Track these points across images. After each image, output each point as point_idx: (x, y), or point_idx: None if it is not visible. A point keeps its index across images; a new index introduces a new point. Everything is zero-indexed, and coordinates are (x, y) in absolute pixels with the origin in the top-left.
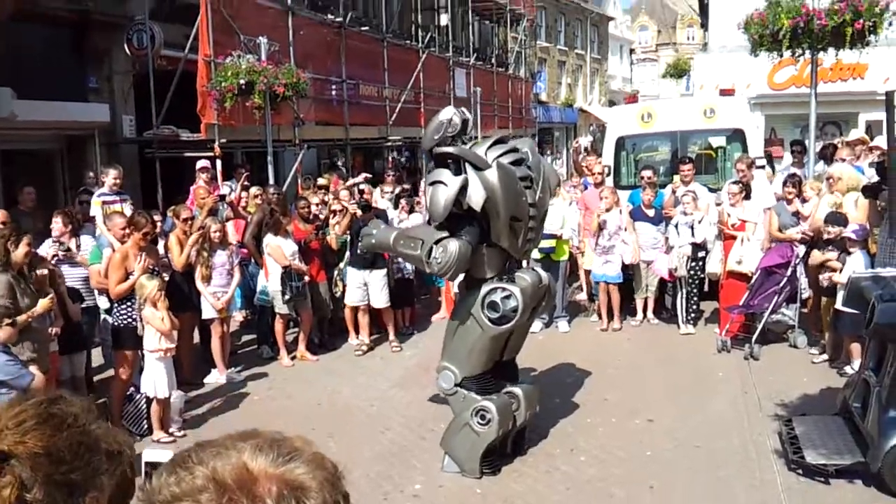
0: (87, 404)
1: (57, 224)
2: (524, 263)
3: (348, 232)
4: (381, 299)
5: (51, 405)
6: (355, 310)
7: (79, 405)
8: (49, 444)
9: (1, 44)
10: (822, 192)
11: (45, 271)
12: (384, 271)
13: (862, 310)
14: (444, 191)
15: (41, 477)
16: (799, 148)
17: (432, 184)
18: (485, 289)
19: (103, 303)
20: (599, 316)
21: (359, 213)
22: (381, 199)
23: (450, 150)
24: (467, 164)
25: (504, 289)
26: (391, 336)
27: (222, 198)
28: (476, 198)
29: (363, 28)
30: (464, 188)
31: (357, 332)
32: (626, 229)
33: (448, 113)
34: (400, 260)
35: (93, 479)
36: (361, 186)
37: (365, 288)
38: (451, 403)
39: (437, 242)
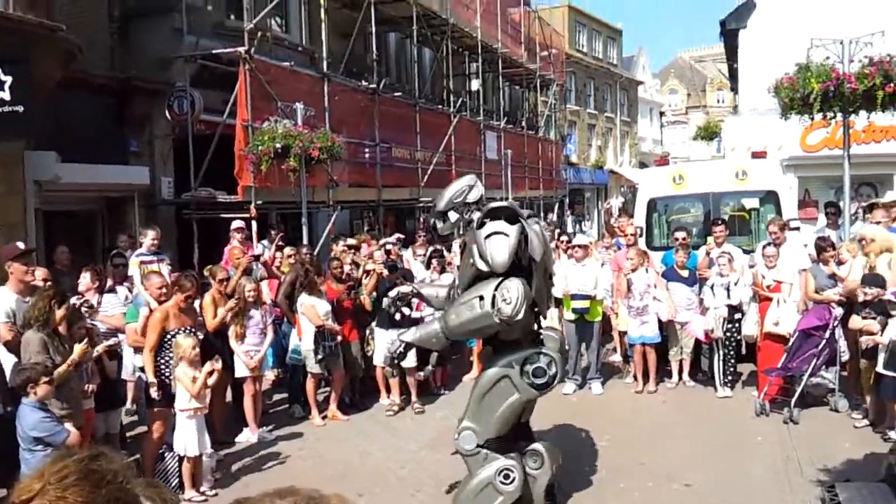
0: (128, 462)
1: (85, 279)
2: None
3: (375, 292)
4: (410, 359)
5: (91, 461)
6: (384, 370)
7: (119, 462)
8: (88, 499)
9: (48, 109)
10: (857, 253)
11: (84, 329)
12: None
13: None
14: (507, 240)
15: None
16: (833, 210)
17: (490, 235)
18: (520, 353)
19: (138, 361)
20: (634, 378)
21: (385, 273)
22: (413, 260)
23: (504, 204)
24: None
25: (546, 354)
26: (413, 398)
27: (256, 258)
28: (537, 247)
29: (396, 94)
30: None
31: (388, 391)
32: (656, 286)
33: (472, 179)
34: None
35: None
36: (388, 247)
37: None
38: (470, 464)
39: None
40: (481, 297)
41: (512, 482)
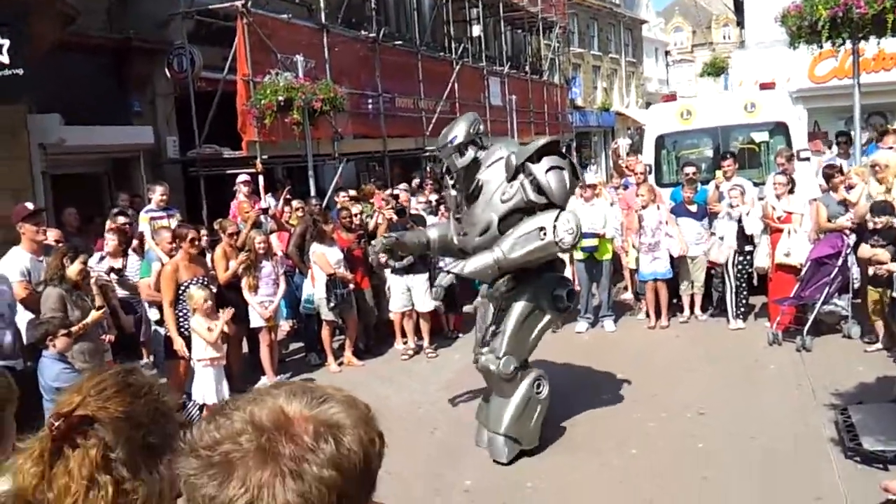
0: (158, 378)
1: (112, 241)
2: None
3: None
4: (425, 303)
5: (128, 375)
6: (401, 315)
7: (151, 378)
8: (129, 409)
9: (49, 72)
10: (867, 179)
11: (96, 286)
12: (426, 275)
13: None
14: (565, 174)
15: (122, 439)
16: (844, 139)
17: (550, 169)
18: (544, 281)
19: (154, 314)
20: (647, 314)
21: (394, 217)
22: (419, 208)
23: (553, 139)
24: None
25: (565, 279)
26: (426, 343)
27: (265, 211)
28: (569, 184)
29: (397, 42)
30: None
31: (404, 336)
32: (667, 223)
33: (474, 116)
34: (442, 264)
35: (168, 443)
36: (396, 192)
37: (409, 293)
38: (505, 389)
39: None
40: (541, 229)
41: (543, 389)
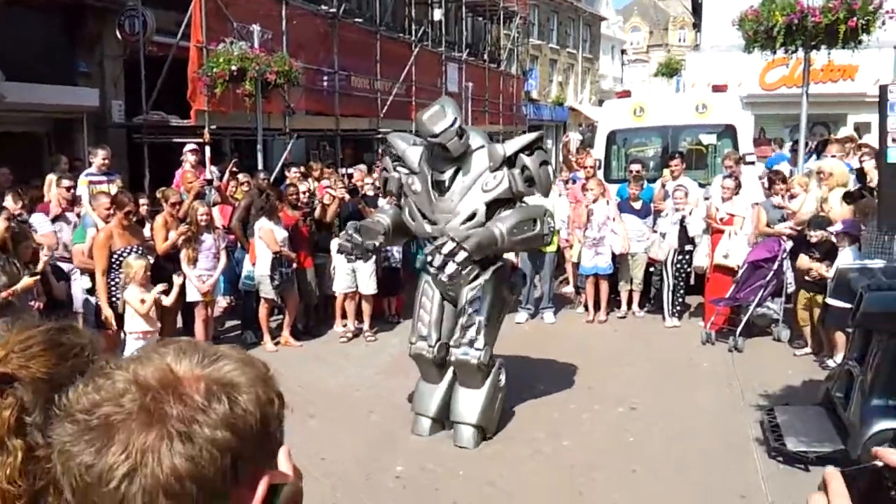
0: (97, 338)
1: (9, 203)
2: None
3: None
4: (369, 286)
5: (59, 334)
6: (343, 296)
7: (88, 337)
8: (53, 370)
9: None
10: (809, 188)
11: (30, 248)
12: (372, 258)
13: (848, 301)
14: (550, 170)
15: (42, 402)
16: (796, 147)
17: (544, 163)
18: (505, 267)
19: (85, 282)
20: (585, 308)
21: (347, 197)
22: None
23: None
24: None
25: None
26: (366, 326)
27: (209, 182)
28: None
29: (356, 20)
30: None
31: (344, 318)
32: (614, 219)
33: (452, 99)
34: (388, 249)
35: None
36: (350, 171)
37: (353, 275)
38: (477, 380)
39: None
40: (534, 221)
41: (503, 378)
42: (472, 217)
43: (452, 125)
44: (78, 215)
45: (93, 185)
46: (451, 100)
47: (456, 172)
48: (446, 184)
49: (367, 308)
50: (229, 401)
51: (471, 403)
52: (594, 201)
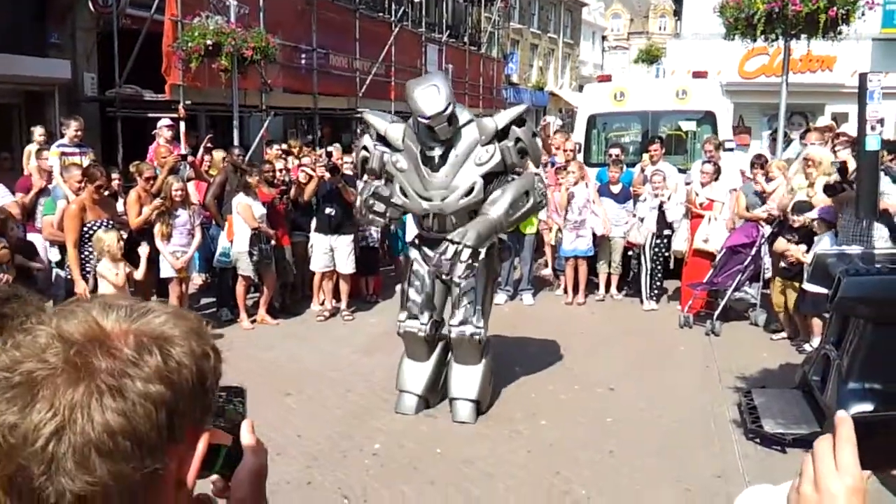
0: (45, 305)
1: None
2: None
3: (315, 196)
4: (347, 265)
5: (3, 303)
6: (321, 275)
7: (36, 305)
8: None
9: None
10: (794, 172)
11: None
12: (351, 237)
13: (826, 286)
14: (538, 141)
15: None
16: (775, 135)
17: (533, 135)
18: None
19: (55, 255)
20: (564, 290)
21: (327, 176)
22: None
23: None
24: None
25: (502, 240)
26: (344, 305)
27: (184, 157)
28: None
29: None
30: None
31: (322, 297)
32: (594, 202)
33: (444, 76)
34: (366, 228)
35: None
36: (330, 149)
37: (331, 253)
38: (474, 357)
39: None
40: (527, 193)
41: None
42: (470, 191)
43: (445, 110)
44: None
45: (65, 156)
46: (445, 79)
47: (447, 149)
48: (436, 160)
49: (344, 287)
50: (161, 353)
51: (469, 379)
52: (574, 184)
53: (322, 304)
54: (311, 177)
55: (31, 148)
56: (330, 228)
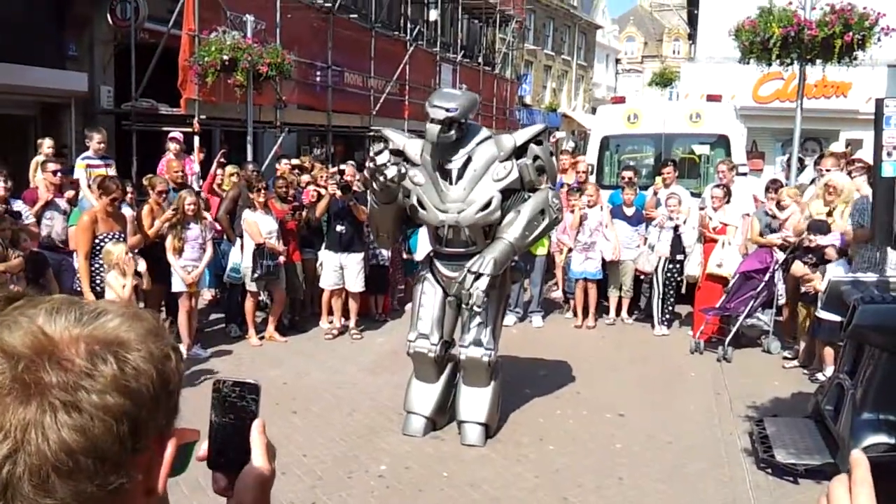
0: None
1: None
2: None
3: (326, 214)
4: (356, 283)
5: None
6: (330, 293)
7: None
8: None
9: None
10: (813, 198)
11: (8, 230)
12: (361, 255)
13: (840, 314)
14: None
15: None
16: (789, 161)
17: (550, 154)
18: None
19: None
20: (574, 313)
21: (338, 193)
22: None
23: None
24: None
25: (514, 261)
26: (352, 323)
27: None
28: None
29: (352, 16)
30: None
31: (330, 315)
32: (606, 226)
33: (475, 97)
34: (376, 247)
35: None
36: (342, 167)
37: (340, 271)
38: (483, 379)
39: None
40: (542, 212)
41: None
42: (487, 205)
43: (450, 110)
44: (69, 201)
45: (90, 168)
46: (472, 95)
47: (465, 163)
48: (454, 172)
49: (353, 305)
50: (117, 361)
51: (478, 402)
52: (589, 206)
53: (331, 322)
54: (320, 194)
55: (37, 159)
56: (340, 246)
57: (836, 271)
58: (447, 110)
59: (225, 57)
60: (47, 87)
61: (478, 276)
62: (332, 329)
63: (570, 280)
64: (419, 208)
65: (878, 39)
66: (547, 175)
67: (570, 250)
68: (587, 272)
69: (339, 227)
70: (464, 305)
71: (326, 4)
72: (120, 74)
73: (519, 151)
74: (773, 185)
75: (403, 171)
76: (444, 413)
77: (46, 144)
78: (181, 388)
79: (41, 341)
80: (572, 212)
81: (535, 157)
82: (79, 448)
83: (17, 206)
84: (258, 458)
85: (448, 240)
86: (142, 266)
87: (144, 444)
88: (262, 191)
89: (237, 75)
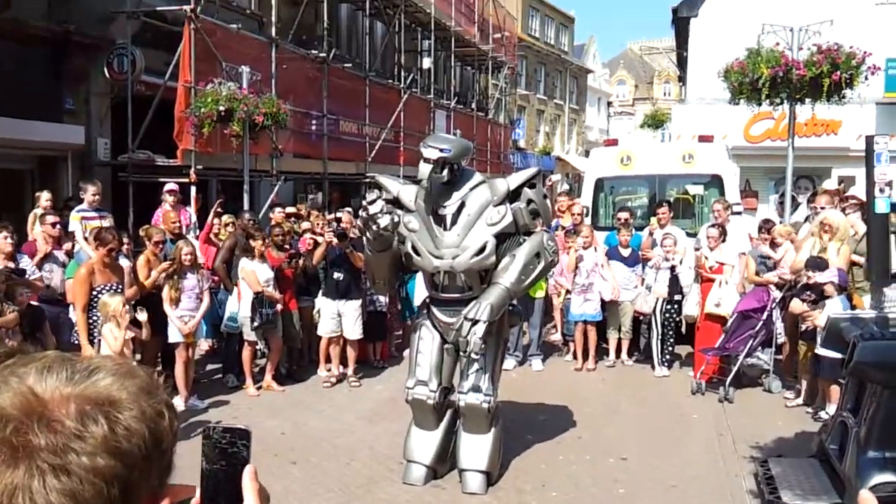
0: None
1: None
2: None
3: (324, 261)
4: (354, 331)
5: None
6: (328, 341)
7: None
8: None
9: None
10: (808, 236)
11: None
12: (359, 303)
13: (840, 351)
14: (548, 203)
15: None
16: (782, 199)
17: (544, 196)
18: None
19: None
20: (574, 356)
21: (335, 241)
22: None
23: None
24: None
25: (512, 305)
26: (350, 371)
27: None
28: None
29: (346, 65)
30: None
31: (328, 362)
32: (602, 266)
33: (468, 143)
34: (373, 293)
35: None
36: (339, 215)
37: (338, 318)
38: (483, 426)
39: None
40: (537, 255)
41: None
42: (481, 251)
43: (443, 151)
44: (67, 254)
45: (85, 220)
46: (466, 142)
47: (459, 208)
48: (448, 218)
49: (351, 353)
50: (108, 421)
51: (478, 449)
52: (584, 248)
53: (329, 370)
54: (317, 242)
55: (35, 212)
56: (338, 293)
57: (835, 307)
58: (441, 150)
59: (221, 108)
60: (44, 140)
61: (474, 322)
62: (330, 377)
63: (570, 322)
64: (414, 255)
65: (866, 78)
66: (541, 218)
67: (568, 292)
68: (587, 314)
69: (336, 275)
70: (461, 353)
71: (321, 55)
72: (116, 127)
73: (513, 195)
74: (766, 226)
75: (396, 219)
76: (445, 461)
77: (44, 197)
78: (175, 445)
79: (30, 402)
80: (568, 253)
81: (529, 201)
82: None
83: (24, 262)
84: None
85: (444, 286)
86: (143, 316)
87: None
88: (264, 239)
89: (233, 125)
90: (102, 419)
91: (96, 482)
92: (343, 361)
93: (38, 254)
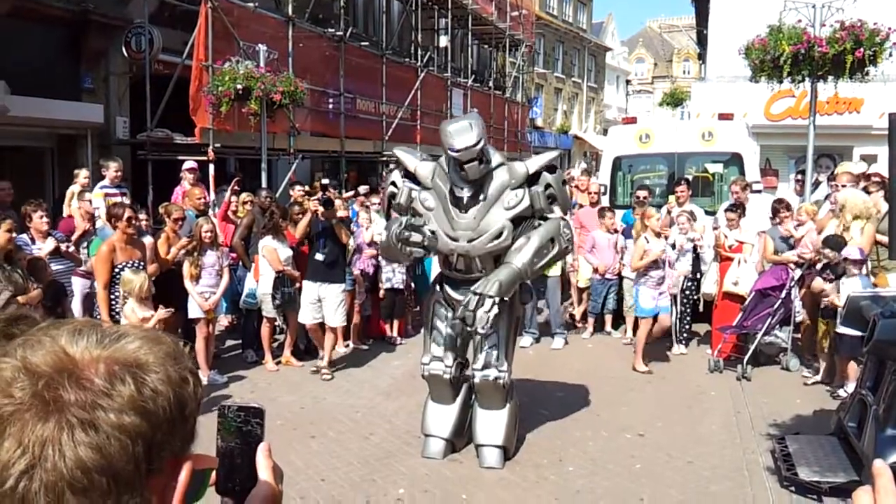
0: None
1: (38, 218)
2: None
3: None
4: (336, 318)
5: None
6: (315, 327)
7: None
8: None
9: None
10: (829, 215)
11: (24, 259)
12: (341, 286)
13: (860, 329)
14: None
15: None
16: (802, 177)
17: (563, 182)
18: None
19: None
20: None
21: (321, 209)
22: (373, 211)
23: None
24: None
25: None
26: (325, 362)
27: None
28: None
29: (363, 43)
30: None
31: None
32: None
33: (479, 118)
34: (387, 270)
35: None
36: (324, 182)
37: (318, 304)
38: (498, 401)
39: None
40: (552, 240)
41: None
42: (498, 235)
43: (475, 145)
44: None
45: (108, 196)
46: (479, 120)
47: (477, 190)
48: (465, 200)
49: (329, 340)
50: (135, 382)
51: (494, 424)
52: (662, 237)
53: (347, 345)
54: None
55: (73, 189)
56: (319, 275)
57: (855, 285)
58: (470, 147)
59: (238, 86)
60: (63, 118)
61: (481, 297)
62: (322, 371)
63: (596, 300)
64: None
65: (890, 55)
66: (559, 204)
67: (596, 271)
68: (661, 307)
69: (318, 256)
70: (468, 328)
71: (338, 33)
72: (135, 105)
73: (532, 178)
74: (780, 205)
75: (427, 242)
76: (462, 435)
77: (83, 175)
78: (198, 413)
79: (62, 360)
80: (636, 242)
81: (547, 185)
82: (94, 466)
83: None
84: (265, 482)
85: (457, 267)
86: (163, 313)
87: (159, 465)
88: (290, 215)
89: (251, 104)
90: (130, 379)
91: (122, 438)
92: (363, 339)
93: (76, 230)
